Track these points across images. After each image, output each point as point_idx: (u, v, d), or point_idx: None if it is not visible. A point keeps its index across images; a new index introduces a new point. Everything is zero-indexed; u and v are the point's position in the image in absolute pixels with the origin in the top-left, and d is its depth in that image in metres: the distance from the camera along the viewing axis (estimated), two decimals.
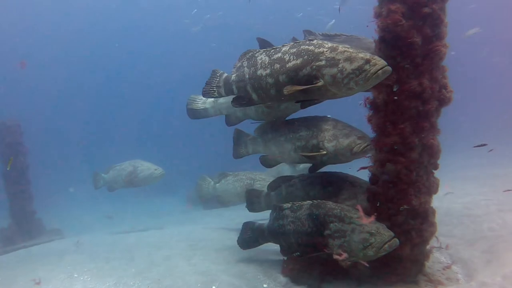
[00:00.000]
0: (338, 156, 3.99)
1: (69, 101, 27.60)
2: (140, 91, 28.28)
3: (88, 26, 26.84)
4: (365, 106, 3.55)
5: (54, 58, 27.06)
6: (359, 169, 3.82)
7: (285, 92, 3.41)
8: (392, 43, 3.28)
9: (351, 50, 3.16)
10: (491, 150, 5.74)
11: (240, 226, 4.74)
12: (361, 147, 3.84)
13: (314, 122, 4.17)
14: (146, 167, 8.06)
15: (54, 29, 26.23)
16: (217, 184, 6.85)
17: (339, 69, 3.12)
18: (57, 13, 25.85)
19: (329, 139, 3.97)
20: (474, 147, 4.67)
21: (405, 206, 3.37)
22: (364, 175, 3.87)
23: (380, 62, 3.01)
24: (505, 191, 5.56)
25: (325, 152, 3.97)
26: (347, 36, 4.16)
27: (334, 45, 3.29)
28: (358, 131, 3.98)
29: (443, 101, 3.53)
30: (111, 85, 29.02)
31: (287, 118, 4.59)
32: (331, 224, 3.41)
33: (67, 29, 26.44)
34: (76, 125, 26.75)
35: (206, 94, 4.28)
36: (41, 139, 22.40)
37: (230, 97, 4.20)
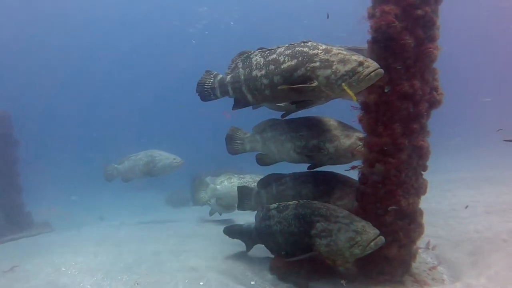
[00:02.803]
0: (338, 157, 3.98)
1: (67, 97, 27.38)
2: (138, 86, 28.13)
3: (91, 16, 26.47)
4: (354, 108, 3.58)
5: (53, 51, 26.75)
6: (348, 169, 3.84)
7: (279, 89, 3.43)
8: (384, 44, 3.30)
9: (344, 52, 3.19)
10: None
11: (230, 223, 4.75)
12: (362, 149, 3.82)
13: (315, 122, 4.15)
14: (165, 157, 7.96)
15: (54, 20, 25.87)
16: (218, 186, 6.66)
17: (332, 70, 3.14)
18: (57, 3, 25.48)
19: (330, 140, 3.95)
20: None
21: (394, 207, 3.40)
22: (355, 175, 3.88)
23: (373, 64, 3.04)
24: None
25: (325, 152, 3.97)
26: (349, 47, 4.13)
27: (328, 47, 3.31)
28: (359, 133, 3.96)
29: (433, 103, 3.56)
30: (108, 82, 28.77)
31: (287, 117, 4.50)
32: (318, 224, 3.43)
33: (68, 20, 26.10)
34: (73, 120, 26.56)
35: (202, 97, 4.25)
36: (37, 133, 22.24)
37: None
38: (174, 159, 7.95)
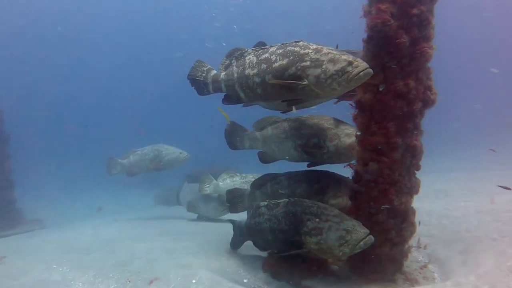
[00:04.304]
0: (339, 155, 3.99)
1: (66, 93, 27.17)
2: (138, 85, 28.00)
3: (96, 10, 26.21)
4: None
5: (56, 47, 26.49)
6: (346, 165, 3.85)
7: (269, 84, 3.47)
8: (380, 42, 3.30)
9: (334, 52, 3.22)
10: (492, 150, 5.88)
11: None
12: None
13: (316, 121, 4.15)
14: (171, 151, 8.05)
15: (58, 15, 25.56)
16: (221, 183, 6.67)
17: (322, 70, 3.17)
18: None
19: (331, 138, 3.97)
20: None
21: (386, 206, 3.41)
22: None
23: (362, 64, 3.07)
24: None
25: (326, 150, 3.98)
26: (344, 50, 4.12)
27: (319, 46, 3.33)
28: None
29: (427, 103, 3.57)
30: (110, 80, 28.57)
31: (286, 117, 4.48)
32: (308, 222, 3.43)
33: (72, 14, 25.79)
34: (71, 117, 26.37)
35: (198, 91, 4.24)
36: (38, 130, 22.04)
37: None
38: (181, 153, 8.05)
